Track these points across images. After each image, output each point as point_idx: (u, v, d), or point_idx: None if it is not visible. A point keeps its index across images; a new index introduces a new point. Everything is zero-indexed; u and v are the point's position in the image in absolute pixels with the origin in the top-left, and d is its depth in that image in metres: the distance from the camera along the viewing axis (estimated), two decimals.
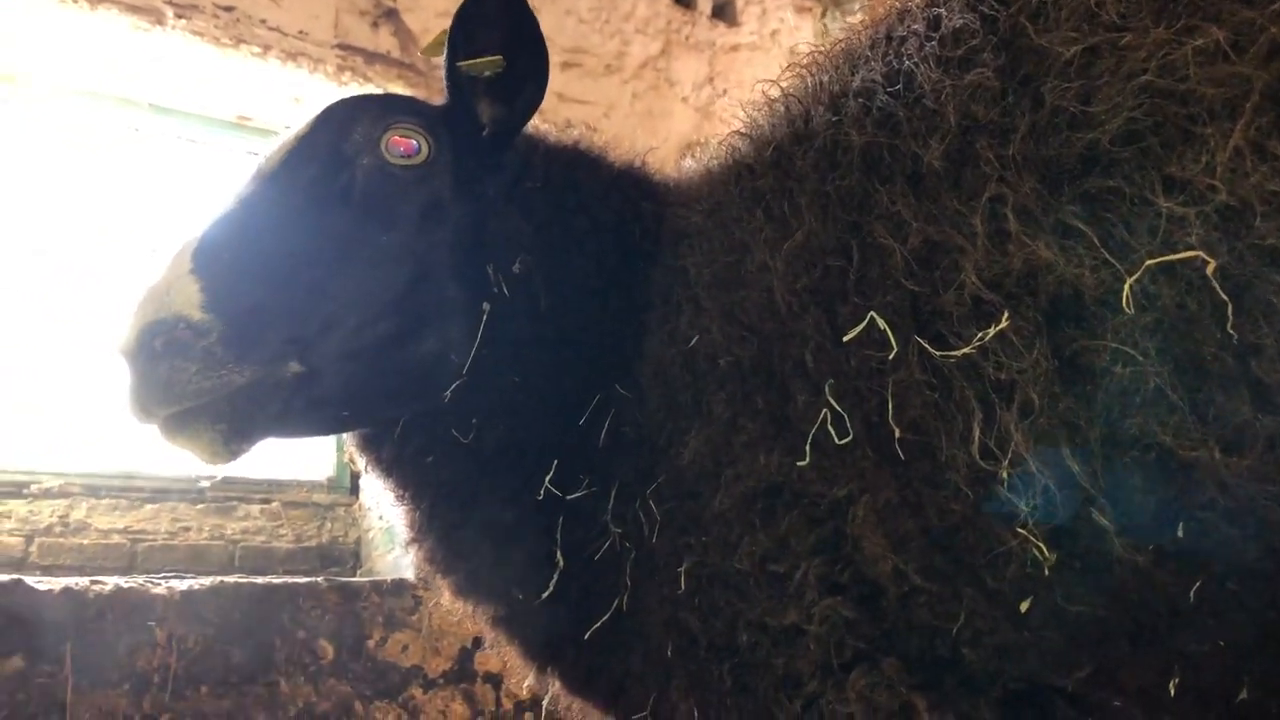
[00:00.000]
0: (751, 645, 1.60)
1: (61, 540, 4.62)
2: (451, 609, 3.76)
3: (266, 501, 4.90)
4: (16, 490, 4.59)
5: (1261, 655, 1.39)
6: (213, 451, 1.74)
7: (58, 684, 4.00)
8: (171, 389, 1.66)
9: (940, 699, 1.50)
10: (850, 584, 1.54)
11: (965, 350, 1.34)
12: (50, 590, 4.08)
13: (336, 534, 4.97)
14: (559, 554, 1.85)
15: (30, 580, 4.10)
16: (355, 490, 5.03)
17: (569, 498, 1.86)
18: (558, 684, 1.87)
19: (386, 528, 4.71)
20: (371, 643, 4.24)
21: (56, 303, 4.94)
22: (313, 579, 4.37)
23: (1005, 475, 1.33)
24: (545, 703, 4.09)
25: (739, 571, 1.61)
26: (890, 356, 1.44)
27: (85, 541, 4.64)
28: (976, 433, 1.34)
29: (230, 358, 1.68)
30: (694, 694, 1.66)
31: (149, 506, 4.75)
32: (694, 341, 1.74)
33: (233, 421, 1.72)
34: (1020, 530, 1.36)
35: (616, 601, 1.75)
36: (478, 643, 4.31)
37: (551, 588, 1.84)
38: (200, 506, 4.81)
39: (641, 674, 1.73)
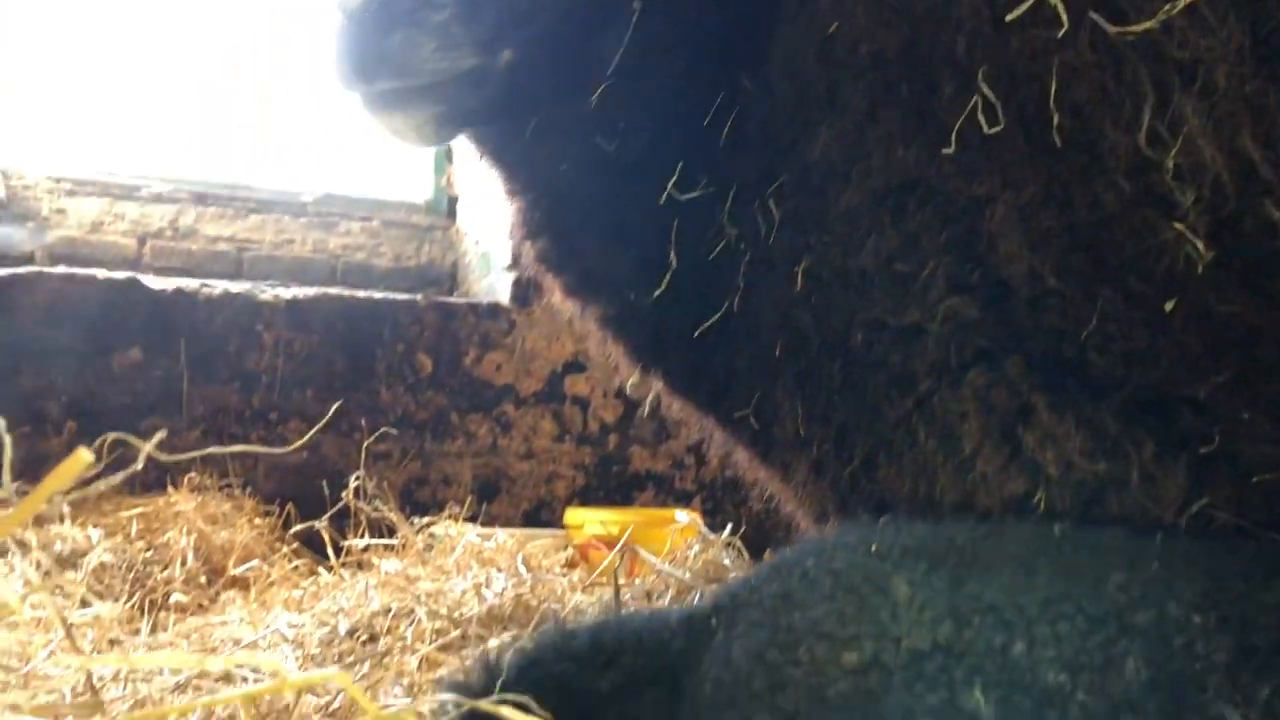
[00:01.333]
0: (866, 344, 1.58)
1: (172, 244, 4.77)
2: (555, 319, 3.80)
3: (367, 220, 4.96)
4: (128, 193, 4.70)
5: None
6: (425, 134, 1.73)
7: (173, 377, 4.23)
8: (405, 62, 1.62)
9: (1061, 402, 1.47)
10: (979, 284, 1.50)
11: (1148, 24, 1.23)
12: (164, 290, 4.24)
13: (434, 256, 5.04)
14: (673, 254, 1.82)
15: (145, 279, 4.26)
16: (452, 214, 5.06)
17: (686, 198, 1.81)
18: (660, 383, 1.88)
19: (483, 253, 4.75)
20: (467, 360, 4.38)
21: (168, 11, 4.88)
22: (412, 296, 4.47)
23: (1171, 164, 1.24)
24: (632, 422, 4.21)
25: (861, 270, 1.57)
26: (1059, 35, 1.32)
27: (194, 247, 4.78)
28: (1146, 117, 1.24)
29: (463, 39, 1.63)
30: (800, 391, 1.66)
31: (254, 217, 4.85)
32: (834, 28, 1.63)
33: (452, 105, 1.69)
34: (1178, 225, 1.28)
35: (728, 302, 1.73)
36: (568, 367, 4.42)
37: (663, 286, 1.82)
38: (303, 220, 4.90)
39: (747, 372, 1.74)
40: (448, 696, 1.24)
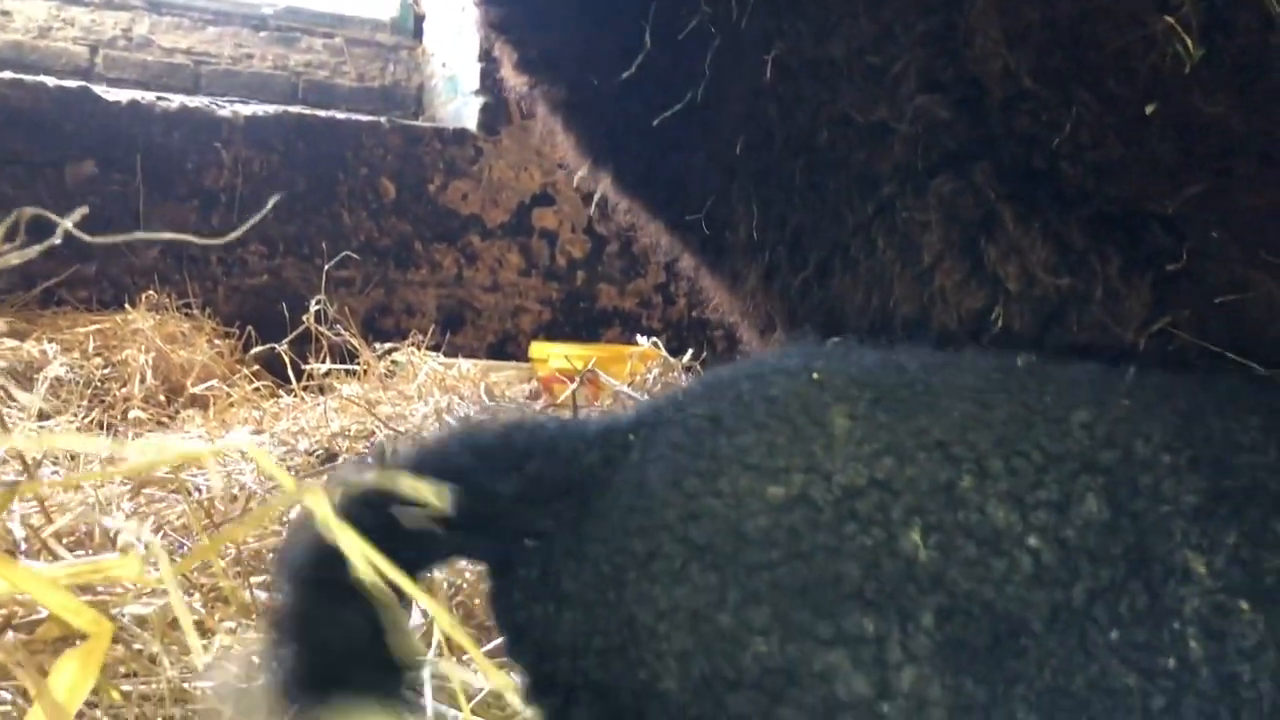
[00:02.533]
0: (831, 142, 1.49)
1: (125, 55, 4.55)
2: (524, 149, 3.68)
3: (329, 36, 4.75)
4: None
5: None
6: None
7: (130, 192, 4.09)
8: None
9: (1028, 213, 1.40)
10: (952, 82, 1.40)
11: None
12: (118, 101, 4.06)
13: (399, 78, 4.85)
14: (648, 34, 1.69)
15: (98, 89, 4.08)
16: (419, 34, 4.84)
17: None
18: (610, 180, 1.78)
19: (450, 76, 4.57)
20: (432, 187, 4.26)
21: None
22: (375, 119, 4.31)
23: None
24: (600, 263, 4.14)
25: (831, 61, 1.47)
26: None
27: (149, 58, 4.57)
28: None
29: None
30: (758, 192, 1.57)
31: (212, 29, 4.62)
32: None
33: None
34: (1168, 18, 1.19)
35: (691, 92, 1.63)
36: (536, 200, 4.31)
37: (634, 69, 1.69)
38: (263, 34, 4.68)
39: (704, 171, 1.64)
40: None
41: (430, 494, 1.12)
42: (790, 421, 1.14)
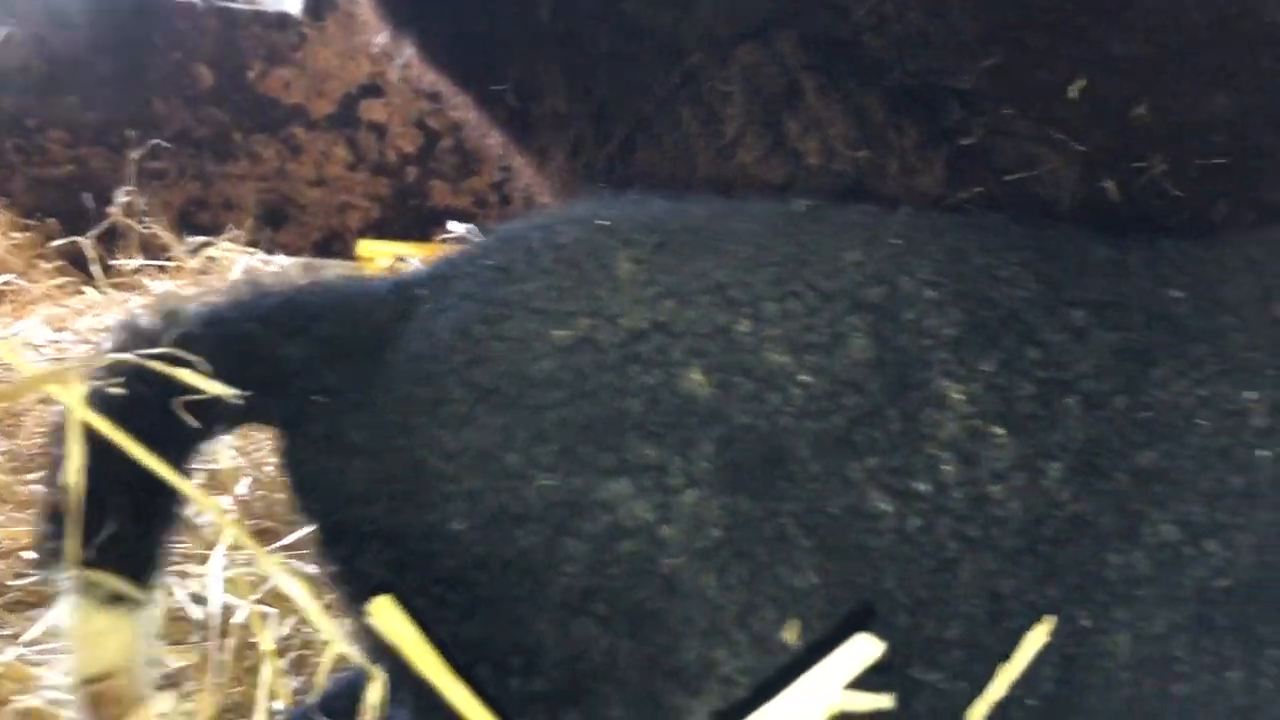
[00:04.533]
0: (637, 9, 1.44)
1: None
2: (351, 36, 3.48)
3: None
4: None
5: (1172, 72, 1.30)
6: None
7: None
8: None
9: (829, 85, 1.39)
10: None
11: None
12: None
13: None
14: None
15: None
16: None
17: None
18: (415, 48, 1.68)
19: None
20: (251, 75, 4.00)
21: None
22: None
23: None
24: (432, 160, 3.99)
25: None
26: None
27: None
28: None
29: None
30: (564, 62, 1.51)
31: None
32: None
33: None
34: None
35: None
36: (364, 91, 4.10)
37: None
38: None
39: (511, 39, 1.57)
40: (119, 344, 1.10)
41: (202, 381, 1.06)
42: (576, 267, 1.14)
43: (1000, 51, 1.32)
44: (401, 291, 1.21)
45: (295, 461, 1.19)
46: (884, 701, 0.81)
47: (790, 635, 1.05)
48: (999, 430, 1.09)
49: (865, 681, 0.78)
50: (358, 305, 1.20)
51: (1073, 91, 1.31)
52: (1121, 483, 1.09)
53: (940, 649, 1.10)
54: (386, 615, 0.77)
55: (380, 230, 4.13)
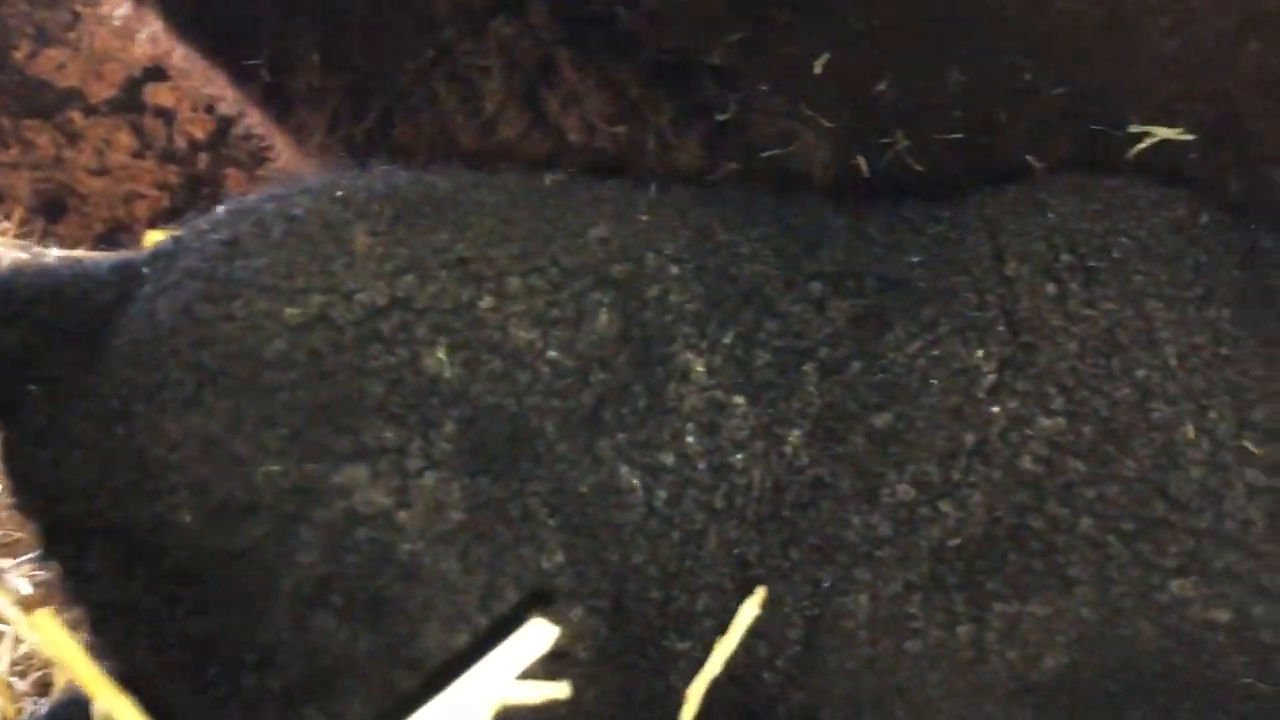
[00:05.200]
0: None
1: None
2: (131, 15, 3.27)
3: None
4: None
5: (908, 49, 1.35)
6: None
7: None
8: None
9: (584, 59, 1.38)
10: None
11: None
12: None
13: None
14: None
15: None
16: None
17: None
18: (161, 20, 1.58)
19: None
20: (19, 55, 3.72)
21: None
22: None
23: None
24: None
25: None
26: None
27: None
28: None
29: None
30: (318, 33, 1.45)
31: None
32: None
33: None
34: None
35: None
36: (149, 73, 3.87)
37: None
38: None
39: (262, 8, 1.49)
40: None
41: None
42: (310, 241, 1.09)
43: (746, 26, 1.33)
44: (123, 272, 1.14)
45: (11, 456, 1.11)
46: (560, 691, 0.81)
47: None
48: (739, 400, 1.11)
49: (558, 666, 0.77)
50: (76, 288, 1.13)
51: (817, 67, 1.34)
52: (858, 446, 1.12)
53: (692, 619, 1.11)
54: (46, 627, 0.71)
55: (171, 220, 3.90)
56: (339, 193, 1.14)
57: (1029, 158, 1.38)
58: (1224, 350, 1.13)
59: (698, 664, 1.11)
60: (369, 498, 1.01)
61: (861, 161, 1.43)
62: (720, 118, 1.41)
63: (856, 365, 1.14)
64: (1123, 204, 1.22)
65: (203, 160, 3.95)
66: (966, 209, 1.29)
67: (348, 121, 1.48)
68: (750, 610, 1.04)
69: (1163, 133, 1.29)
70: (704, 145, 1.42)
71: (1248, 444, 1.09)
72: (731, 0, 1.33)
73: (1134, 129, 1.32)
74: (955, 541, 1.10)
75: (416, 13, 1.40)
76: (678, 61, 1.39)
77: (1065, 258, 1.18)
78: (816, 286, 1.17)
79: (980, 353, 1.15)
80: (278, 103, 1.56)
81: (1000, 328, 1.17)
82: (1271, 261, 1.21)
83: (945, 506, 1.11)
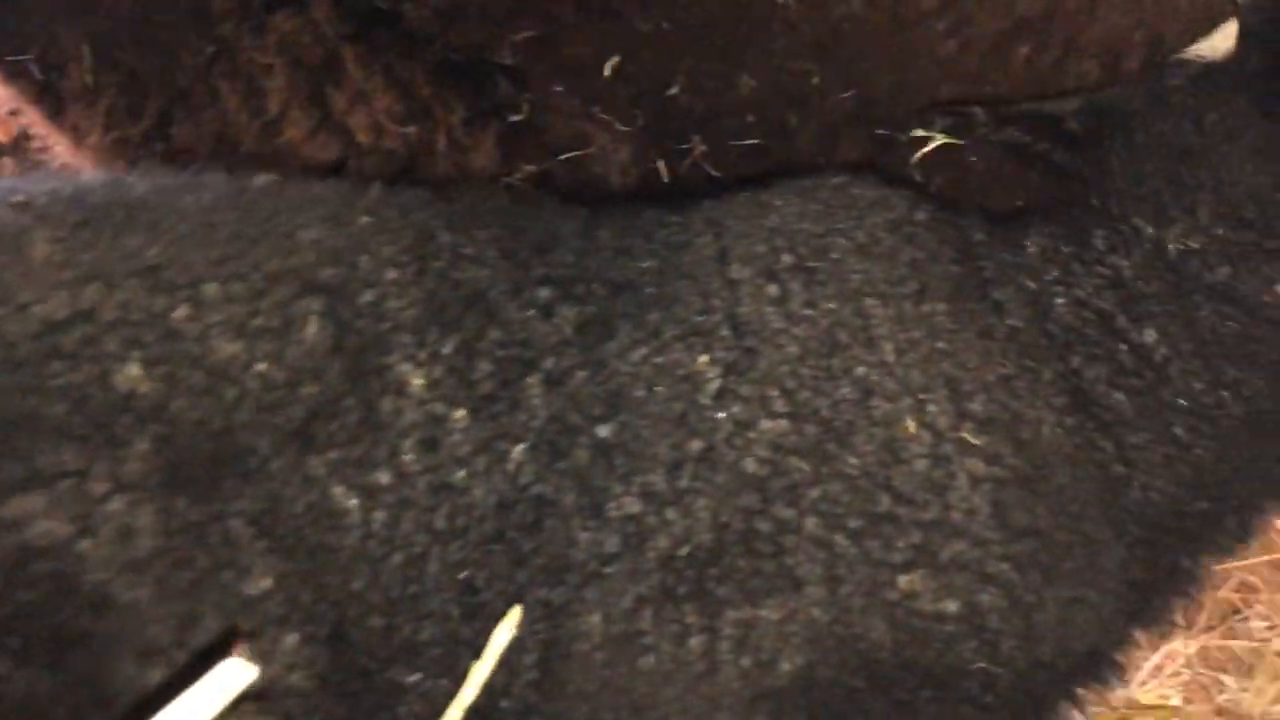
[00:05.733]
0: None
1: None
2: None
3: None
4: None
5: (696, 53, 1.34)
6: None
7: None
8: None
9: (370, 56, 1.34)
10: None
11: None
12: None
13: None
14: None
15: None
16: None
17: None
18: None
19: None
20: None
21: None
22: None
23: None
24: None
25: None
26: None
27: None
28: None
29: None
30: (88, 28, 1.38)
31: None
32: None
33: None
34: None
35: None
36: None
37: None
38: None
39: (27, 4, 1.40)
40: None
41: None
42: None
43: (533, 24, 1.31)
44: None
45: None
46: None
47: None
48: (459, 414, 1.05)
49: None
50: None
51: (607, 69, 1.33)
52: (583, 460, 1.08)
53: (419, 649, 1.04)
54: None
55: None
56: (18, 197, 1.05)
57: (821, 161, 1.39)
58: (940, 344, 1.13)
59: (427, 697, 1.04)
60: (46, 528, 0.92)
61: (661, 166, 1.42)
62: (514, 119, 1.38)
63: (581, 375, 1.10)
64: (843, 204, 1.21)
65: (5, 166, 3.72)
66: (695, 212, 1.25)
67: (124, 121, 1.41)
68: (506, 633, 0.98)
69: (941, 138, 1.31)
70: (499, 146, 1.39)
71: (967, 435, 1.09)
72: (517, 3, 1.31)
73: (917, 133, 1.34)
74: (684, 550, 1.06)
75: (192, 6, 1.34)
76: (468, 60, 1.37)
77: (786, 259, 1.17)
78: (544, 293, 1.12)
79: (704, 358, 1.12)
80: (51, 101, 1.47)
81: (724, 331, 1.14)
82: (984, 254, 1.22)
83: (672, 515, 1.08)
